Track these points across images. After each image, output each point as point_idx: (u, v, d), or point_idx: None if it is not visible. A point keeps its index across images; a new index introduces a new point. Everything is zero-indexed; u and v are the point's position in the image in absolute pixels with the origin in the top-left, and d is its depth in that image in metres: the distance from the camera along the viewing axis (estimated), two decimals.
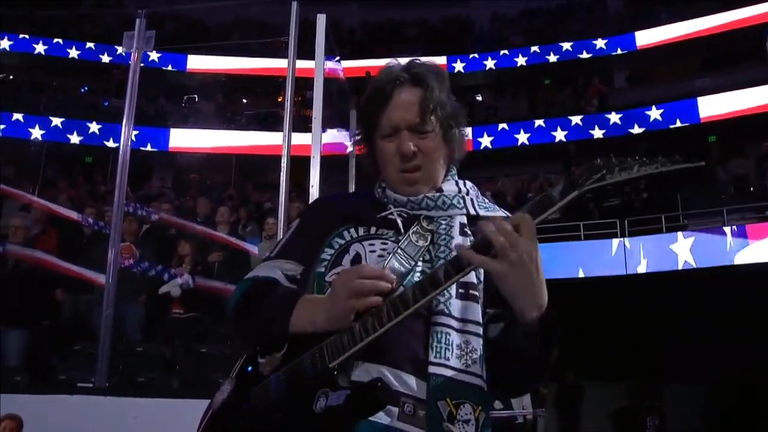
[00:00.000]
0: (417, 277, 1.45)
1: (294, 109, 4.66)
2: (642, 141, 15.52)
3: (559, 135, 16.01)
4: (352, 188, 5.60)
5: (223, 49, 18.19)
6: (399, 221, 1.54)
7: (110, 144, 16.12)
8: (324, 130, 4.74)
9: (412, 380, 1.38)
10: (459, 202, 1.56)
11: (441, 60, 18.84)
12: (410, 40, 20.64)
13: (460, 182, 1.63)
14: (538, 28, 19.74)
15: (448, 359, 1.38)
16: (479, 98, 19.46)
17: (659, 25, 17.64)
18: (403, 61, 1.63)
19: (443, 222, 1.53)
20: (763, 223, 10.61)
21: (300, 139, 5.20)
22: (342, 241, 1.53)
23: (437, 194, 1.56)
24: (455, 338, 1.40)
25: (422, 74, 1.57)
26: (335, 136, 6.02)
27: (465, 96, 19.22)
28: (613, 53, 17.94)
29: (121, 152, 5.06)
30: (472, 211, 1.56)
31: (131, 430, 3.81)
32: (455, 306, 1.43)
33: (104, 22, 18.94)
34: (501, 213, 1.59)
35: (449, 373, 1.38)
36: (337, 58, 5.87)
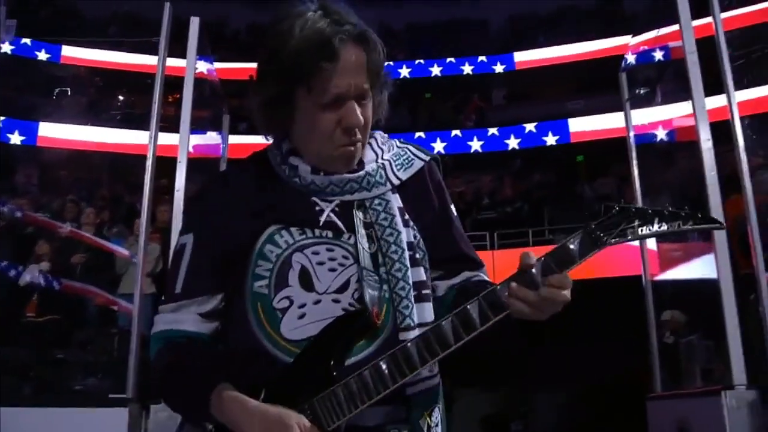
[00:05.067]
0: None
1: (167, 108, 4.53)
2: (516, 157, 16.14)
3: (438, 146, 16.34)
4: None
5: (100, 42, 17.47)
6: (340, 223, 1.37)
7: None
8: (199, 132, 4.63)
9: (390, 407, 1.30)
10: (381, 177, 1.41)
11: None
12: None
13: (374, 144, 1.47)
14: (423, 43, 20.13)
15: (420, 373, 1.26)
16: None
17: (536, 47, 18.45)
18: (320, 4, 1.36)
19: (379, 209, 1.37)
20: None
21: (175, 139, 5.07)
22: (278, 250, 1.32)
23: (361, 173, 1.39)
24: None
25: (365, 31, 1.36)
26: (208, 138, 5.91)
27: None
28: (493, 72, 18.57)
29: None
30: (396, 181, 1.42)
31: None
32: (414, 313, 1.33)
33: None
34: (418, 162, 1.46)
35: (423, 386, 1.34)
36: (212, 61, 5.76)
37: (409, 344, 1.22)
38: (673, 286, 6.45)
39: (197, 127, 4.69)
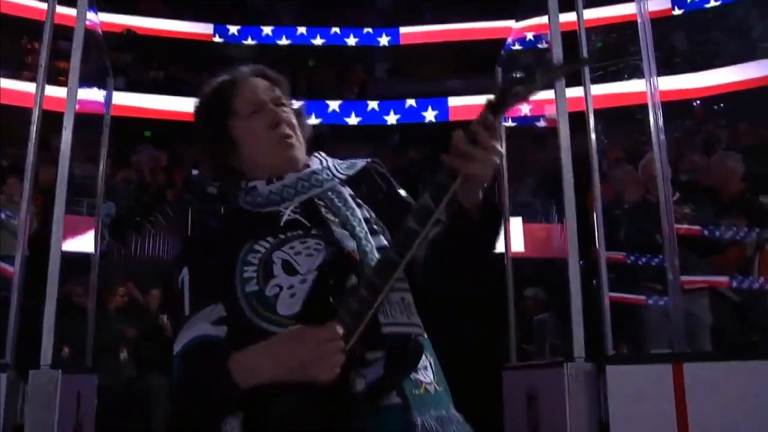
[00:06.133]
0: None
1: (36, 58, 4.35)
2: (396, 132, 16.48)
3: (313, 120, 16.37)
4: (104, 154, 5.32)
5: None
6: (303, 220, 1.51)
7: None
8: (81, 86, 4.49)
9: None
10: (328, 174, 1.58)
11: (208, 28, 18.51)
12: (178, 1, 19.88)
13: (317, 155, 1.65)
14: (309, 12, 19.94)
15: (394, 316, 1.42)
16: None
17: (422, 24, 18.82)
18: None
19: (333, 196, 1.54)
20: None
21: (49, 91, 4.90)
22: (259, 254, 1.46)
23: (308, 171, 1.57)
24: (393, 296, 1.43)
25: (263, 70, 1.67)
26: (91, 93, 5.70)
27: (229, 67, 18.98)
28: (378, 44, 18.77)
29: None
30: (341, 176, 1.59)
31: None
32: None
33: None
34: (360, 162, 1.64)
35: (399, 328, 1.41)
36: (96, 11, 5.56)
37: (386, 251, 1.35)
38: (537, 264, 6.91)
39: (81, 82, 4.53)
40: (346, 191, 1.56)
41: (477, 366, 6.87)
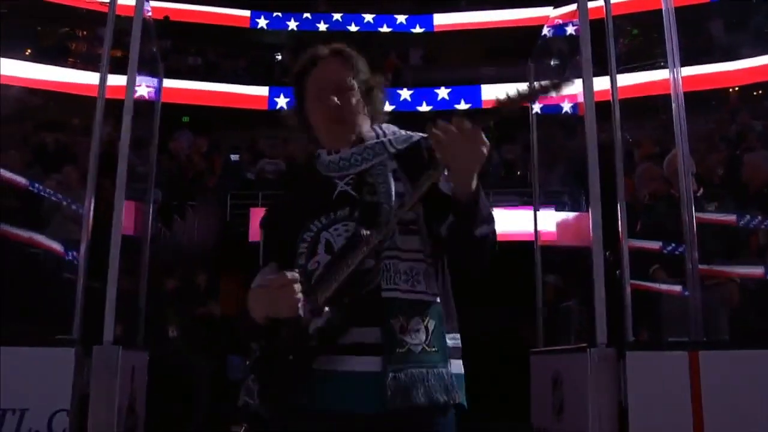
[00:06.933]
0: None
1: (79, 44, 4.51)
2: (428, 120, 16.56)
3: None
4: (156, 140, 5.53)
5: None
6: (353, 192, 1.75)
7: None
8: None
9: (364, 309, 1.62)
10: (380, 149, 1.79)
11: (245, 13, 18.76)
12: None
13: (377, 128, 1.86)
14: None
15: (396, 284, 1.64)
16: (279, 57, 19.56)
17: (457, 10, 18.85)
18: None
19: (379, 170, 1.76)
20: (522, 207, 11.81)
21: (84, 77, 4.97)
22: (312, 233, 1.74)
23: (362, 147, 1.79)
24: (402, 266, 1.66)
25: (341, 49, 1.88)
26: (141, 80, 5.84)
27: (265, 54, 19.27)
28: (412, 31, 18.85)
29: None
30: (392, 150, 1.79)
31: None
32: (399, 239, 1.66)
33: None
34: (416, 136, 1.83)
35: (398, 294, 1.63)
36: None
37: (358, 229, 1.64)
38: (564, 252, 7.01)
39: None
40: (391, 165, 1.77)
41: (508, 349, 7.06)
